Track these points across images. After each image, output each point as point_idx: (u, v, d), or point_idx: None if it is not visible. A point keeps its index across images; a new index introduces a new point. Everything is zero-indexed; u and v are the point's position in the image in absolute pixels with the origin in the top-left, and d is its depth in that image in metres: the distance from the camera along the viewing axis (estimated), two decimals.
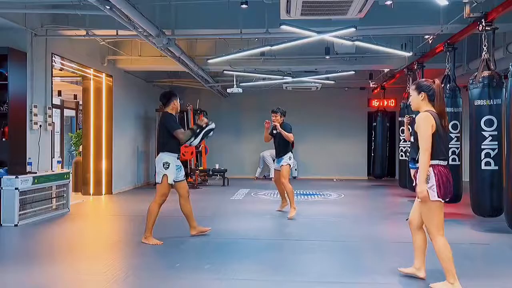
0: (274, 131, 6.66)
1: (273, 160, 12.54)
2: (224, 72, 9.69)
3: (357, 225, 6.12)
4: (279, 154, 6.64)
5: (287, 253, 4.59)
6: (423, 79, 3.53)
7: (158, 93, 11.93)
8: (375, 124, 11.67)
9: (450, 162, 6.13)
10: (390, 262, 4.15)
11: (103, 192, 8.91)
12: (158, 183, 4.79)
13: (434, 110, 3.32)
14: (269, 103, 13.37)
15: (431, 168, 3.20)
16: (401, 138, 9.43)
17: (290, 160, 6.55)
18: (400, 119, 9.62)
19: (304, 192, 9.63)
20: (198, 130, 4.85)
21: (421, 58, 7.94)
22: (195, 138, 4.85)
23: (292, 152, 6.63)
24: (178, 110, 5.02)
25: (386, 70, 10.36)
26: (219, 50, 8.67)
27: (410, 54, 8.03)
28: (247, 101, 12.67)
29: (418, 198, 3.33)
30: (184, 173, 4.99)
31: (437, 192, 3.18)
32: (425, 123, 3.22)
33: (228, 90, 10.69)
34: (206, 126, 4.89)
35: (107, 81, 9.04)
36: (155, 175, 4.94)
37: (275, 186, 7.03)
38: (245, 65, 9.34)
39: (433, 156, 3.20)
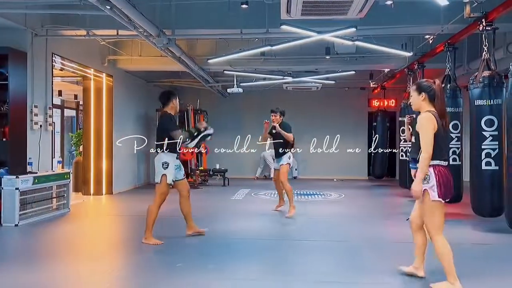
0: (274, 131, 6.66)
1: (274, 160, 12.63)
2: (225, 72, 9.68)
3: (357, 225, 6.11)
4: (279, 154, 6.66)
5: (287, 253, 4.59)
6: (424, 80, 3.55)
7: (159, 93, 11.94)
8: (375, 124, 11.65)
9: (451, 162, 6.13)
10: (390, 262, 4.15)
11: (104, 192, 8.91)
12: (157, 183, 4.79)
13: (435, 110, 3.34)
14: (269, 103, 13.33)
15: (431, 168, 3.20)
16: (401, 138, 9.42)
17: (290, 160, 6.56)
18: (400, 119, 9.61)
19: (304, 192, 9.63)
20: (196, 134, 4.85)
21: (422, 58, 7.93)
22: (191, 141, 4.85)
23: (292, 152, 6.63)
24: (178, 110, 5.02)
25: (386, 70, 10.35)
26: (220, 50, 8.67)
27: (411, 54, 8.03)
28: (247, 101, 12.67)
29: (414, 197, 3.34)
30: (183, 172, 5.00)
31: (437, 192, 3.19)
32: (428, 124, 3.23)
33: (229, 90, 10.69)
34: (205, 130, 4.89)
35: (107, 81, 9.04)
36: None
37: (274, 184, 7.06)
38: (245, 65, 9.32)
39: (433, 156, 3.21)
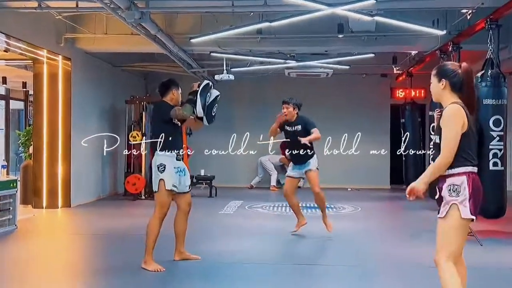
0: (288, 128, 6.47)
1: (280, 166, 12.64)
2: (212, 54, 9.69)
3: (376, 246, 6.16)
4: (303, 158, 6.38)
5: (290, 281, 4.62)
6: (448, 62, 3.49)
7: (128, 80, 11.82)
8: (403, 120, 11.68)
9: (491, 167, 6.17)
10: None
11: (59, 204, 8.90)
12: (155, 191, 4.84)
13: (461, 102, 3.22)
14: (267, 94, 13.42)
15: (464, 177, 3.13)
16: (431, 137, 9.47)
17: (317, 163, 6.43)
18: (430, 113, 9.66)
19: (311, 205, 9.65)
20: (195, 97, 4.83)
21: (457, 37, 7.98)
22: (196, 106, 4.82)
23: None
24: (179, 103, 5.05)
25: (413, 52, 10.39)
26: (206, 27, 8.68)
27: (444, 32, 8.07)
28: (240, 90, 12.68)
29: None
30: (189, 182, 5.05)
31: (470, 208, 3.10)
32: (456, 118, 3.14)
33: (217, 77, 10.70)
34: (199, 86, 4.89)
35: (64, 65, 9.03)
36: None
37: (286, 199, 6.70)
38: (238, 46, 9.34)
39: (466, 162, 3.15)
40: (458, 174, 3.14)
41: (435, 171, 3.16)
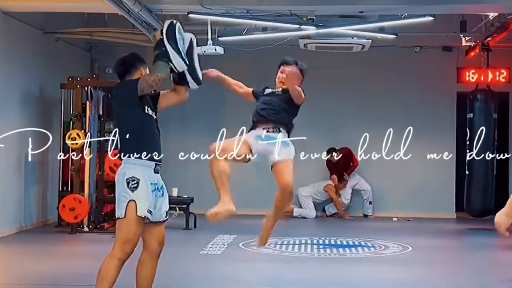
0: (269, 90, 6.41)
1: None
2: (191, 16, 9.70)
3: None
4: (275, 126, 6.09)
5: None
6: None
7: (65, 53, 11.87)
8: (471, 115, 11.65)
9: None
10: None
11: None
12: (119, 218, 4.70)
13: None
14: (272, 74, 13.30)
15: None
16: None
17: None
18: None
19: (340, 242, 9.65)
20: (162, 48, 4.78)
21: None
22: (171, 58, 4.75)
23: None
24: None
25: (491, 15, 10.41)
26: None
27: None
28: (232, 69, 12.27)
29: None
30: (167, 206, 4.93)
31: None
32: None
33: (198, 50, 10.72)
34: (162, 29, 4.87)
35: None
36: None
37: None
38: (230, 4, 9.36)
39: None
40: None
41: None
